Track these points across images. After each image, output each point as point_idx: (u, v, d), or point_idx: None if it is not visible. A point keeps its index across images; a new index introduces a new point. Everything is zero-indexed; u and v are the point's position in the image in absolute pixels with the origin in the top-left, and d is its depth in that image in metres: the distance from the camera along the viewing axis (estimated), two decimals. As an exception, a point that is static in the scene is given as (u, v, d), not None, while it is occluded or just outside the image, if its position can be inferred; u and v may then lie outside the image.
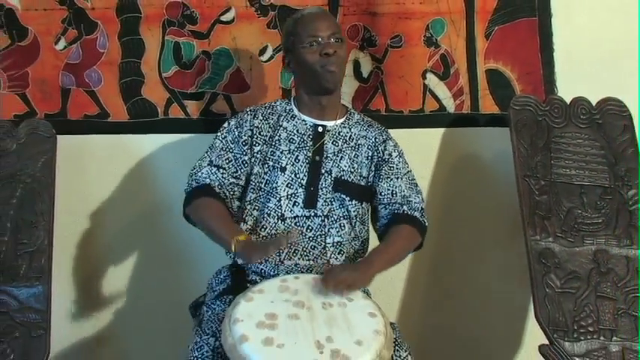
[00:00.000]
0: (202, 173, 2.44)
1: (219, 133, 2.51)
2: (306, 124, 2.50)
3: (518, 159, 2.80)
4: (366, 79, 3.00)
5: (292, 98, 2.58)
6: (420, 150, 2.98)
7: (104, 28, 2.87)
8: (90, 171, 2.90)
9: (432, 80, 3.02)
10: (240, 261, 2.31)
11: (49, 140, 2.72)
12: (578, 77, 3.06)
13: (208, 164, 2.45)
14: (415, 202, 2.50)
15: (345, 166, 2.48)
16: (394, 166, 2.52)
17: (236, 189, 2.46)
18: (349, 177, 2.47)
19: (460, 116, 3.04)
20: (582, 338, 2.64)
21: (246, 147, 2.47)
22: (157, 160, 2.92)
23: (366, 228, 2.54)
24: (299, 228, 2.40)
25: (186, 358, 2.11)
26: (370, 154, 2.52)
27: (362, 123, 2.57)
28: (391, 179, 2.50)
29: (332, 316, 2.06)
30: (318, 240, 2.43)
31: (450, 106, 3.04)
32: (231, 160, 2.46)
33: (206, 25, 2.91)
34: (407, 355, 2.19)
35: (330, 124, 2.51)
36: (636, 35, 3.09)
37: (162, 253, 2.95)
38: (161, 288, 2.95)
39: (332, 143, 2.49)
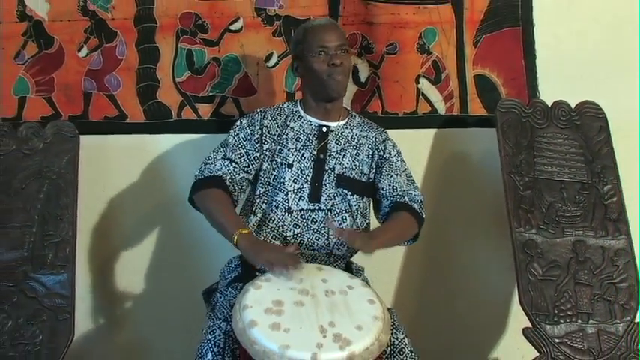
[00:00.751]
0: (216, 165, 2.43)
1: (232, 131, 2.51)
2: (311, 124, 2.51)
3: (504, 157, 2.81)
4: (364, 84, 3.00)
5: (298, 100, 2.58)
6: (413, 149, 2.97)
7: (123, 36, 2.86)
8: (109, 168, 2.90)
9: (424, 84, 3.03)
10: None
11: (72, 140, 2.72)
12: (557, 82, 3.07)
13: (222, 157, 2.44)
14: (415, 195, 2.50)
15: (348, 164, 2.48)
16: (394, 164, 2.54)
17: (245, 183, 2.46)
18: (351, 174, 2.48)
19: (450, 118, 3.04)
20: (562, 321, 2.66)
21: (257, 144, 2.47)
22: (171, 158, 2.92)
23: (367, 221, 2.54)
24: (297, 244, 2.36)
25: (200, 340, 2.11)
26: (371, 153, 2.53)
27: (362, 124, 2.58)
28: (391, 176, 2.51)
29: (334, 302, 2.07)
30: (322, 232, 2.43)
31: (442, 108, 3.04)
32: (243, 156, 2.45)
33: (216, 33, 2.91)
34: (404, 338, 2.20)
35: (333, 125, 2.51)
36: (610, 44, 3.11)
37: (177, 244, 2.94)
38: (176, 277, 2.94)
39: (335, 143, 2.49)
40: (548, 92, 3.03)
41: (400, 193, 2.48)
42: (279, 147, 2.47)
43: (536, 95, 3.04)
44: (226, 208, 2.37)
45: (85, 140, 2.75)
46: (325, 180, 2.45)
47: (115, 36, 2.86)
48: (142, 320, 2.98)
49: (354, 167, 2.49)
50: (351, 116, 2.58)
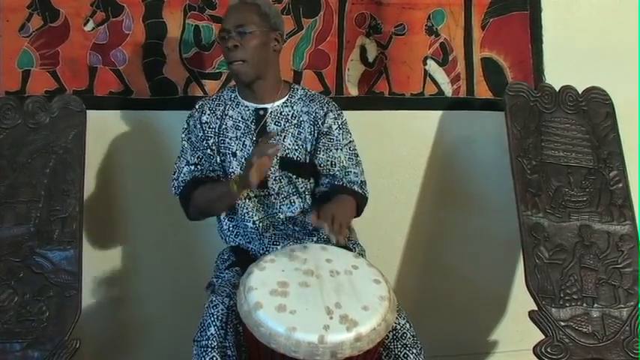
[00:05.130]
0: (184, 173, 2.31)
1: (183, 135, 2.37)
2: (248, 109, 2.33)
3: (513, 140, 2.72)
4: (372, 64, 2.87)
5: (235, 85, 2.41)
6: (419, 130, 2.92)
7: (130, 11, 2.72)
8: (114, 143, 2.78)
9: (431, 66, 2.91)
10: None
11: (79, 114, 2.60)
12: (564, 67, 2.97)
13: (186, 164, 2.32)
14: (354, 175, 2.32)
15: (290, 145, 2.30)
16: (334, 137, 2.32)
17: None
18: (294, 155, 2.30)
19: (457, 100, 2.94)
20: (567, 305, 2.59)
21: (204, 142, 2.33)
22: (176, 134, 2.67)
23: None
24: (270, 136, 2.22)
25: (202, 315, 2.02)
26: (312, 129, 2.32)
27: (304, 99, 2.37)
28: (330, 150, 2.31)
29: (339, 283, 1.95)
30: (275, 217, 2.31)
31: (448, 90, 2.93)
32: (202, 157, 2.33)
33: (224, 9, 2.69)
34: (405, 323, 2.09)
35: (269, 105, 2.32)
36: (617, 30, 3.01)
37: (183, 221, 2.75)
38: (181, 252, 2.86)
39: (274, 124, 2.31)
40: (555, 77, 2.93)
41: (338, 172, 2.30)
42: (221, 138, 2.32)
43: (542, 80, 2.95)
44: (210, 190, 2.27)
45: (90, 115, 2.62)
46: None
47: (122, 10, 2.71)
48: (147, 297, 2.90)
49: (296, 147, 2.31)
50: (293, 91, 2.38)
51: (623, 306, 2.61)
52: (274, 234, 2.31)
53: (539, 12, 2.95)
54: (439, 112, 2.93)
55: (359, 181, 2.32)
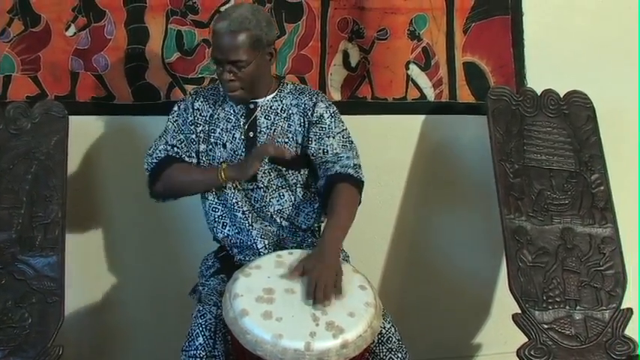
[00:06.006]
0: (160, 151, 2.29)
1: (170, 117, 2.36)
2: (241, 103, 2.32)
3: (495, 144, 2.72)
4: (354, 69, 2.86)
5: None
6: (402, 134, 2.91)
7: (112, 16, 2.68)
8: (96, 149, 2.75)
9: (414, 71, 2.90)
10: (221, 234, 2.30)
11: (61, 120, 2.56)
12: (545, 71, 2.97)
13: (164, 143, 2.30)
14: (346, 159, 2.27)
15: (279, 138, 2.29)
16: (325, 126, 2.29)
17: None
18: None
19: (439, 104, 2.92)
20: (550, 308, 2.60)
21: (192, 126, 2.31)
22: None
23: (312, 191, 2.36)
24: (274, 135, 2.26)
25: (190, 325, 2.00)
26: (302, 121, 2.31)
27: (294, 92, 2.36)
28: (322, 139, 2.28)
29: None
30: (264, 210, 2.29)
31: (431, 94, 2.92)
32: (183, 141, 2.31)
33: (207, 14, 2.74)
34: (390, 327, 2.08)
35: (260, 100, 2.31)
36: (598, 34, 3.01)
37: (165, 226, 2.83)
38: (165, 258, 2.83)
39: (264, 118, 2.30)
40: (536, 81, 2.94)
41: (330, 159, 2.26)
42: (211, 127, 2.32)
43: (524, 84, 2.94)
44: (192, 169, 2.28)
45: (72, 121, 2.59)
46: None
47: (104, 15, 2.68)
48: (131, 303, 2.86)
49: (286, 140, 2.29)
50: (282, 86, 2.37)
51: (605, 308, 2.62)
52: (263, 227, 2.29)
53: (521, 16, 2.94)
54: (422, 117, 2.92)
55: (352, 164, 2.27)
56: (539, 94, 2.84)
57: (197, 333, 1.96)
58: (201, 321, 1.97)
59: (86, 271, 2.80)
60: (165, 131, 2.34)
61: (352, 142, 2.33)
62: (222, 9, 2.71)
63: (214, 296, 2.07)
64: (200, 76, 2.76)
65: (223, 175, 2.16)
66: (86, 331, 2.83)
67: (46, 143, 2.53)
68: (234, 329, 1.81)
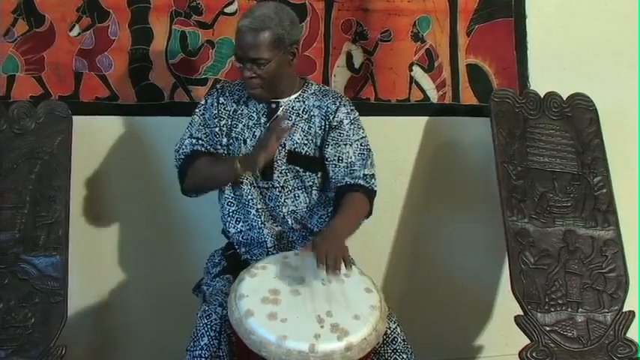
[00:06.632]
0: (185, 145, 2.32)
1: (197, 110, 2.38)
2: (262, 101, 2.32)
3: (498, 147, 2.72)
4: (358, 70, 2.86)
5: None
6: (405, 136, 2.91)
7: (116, 16, 2.69)
8: (100, 149, 2.75)
9: (417, 72, 2.90)
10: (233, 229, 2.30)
11: (65, 120, 2.57)
12: (548, 73, 2.97)
13: (189, 137, 2.33)
14: (359, 169, 2.28)
15: (299, 139, 2.29)
16: (344, 132, 2.30)
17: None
18: (302, 149, 2.29)
19: (442, 106, 2.93)
20: (552, 310, 2.60)
21: (216, 119, 2.33)
22: (162, 140, 2.76)
23: (327, 194, 2.35)
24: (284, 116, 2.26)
25: (195, 325, 2.00)
26: (323, 124, 2.31)
27: (318, 93, 2.36)
28: (339, 145, 2.29)
29: (331, 291, 1.95)
30: (277, 210, 2.29)
31: (434, 96, 2.92)
32: (208, 135, 2.32)
33: (211, 16, 2.75)
34: (396, 327, 2.08)
35: (283, 100, 2.32)
36: (601, 36, 3.02)
37: (169, 227, 2.82)
38: (167, 259, 2.82)
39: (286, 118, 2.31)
40: (539, 83, 2.94)
41: (342, 171, 2.26)
42: (234, 122, 2.33)
43: (526, 86, 2.95)
44: (214, 161, 2.30)
45: (75, 121, 2.59)
46: (276, 157, 2.27)
47: (108, 16, 2.68)
48: (134, 303, 2.86)
49: (305, 142, 2.30)
50: (306, 86, 2.37)
51: (607, 310, 2.63)
52: (274, 227, 2.29)
53: (524, 19, 2.95)
54: (425, 118, 2.92)
55: (362, 174, 2.28)
56: (542, 97, 2.84)
57: (202, 333, 1.96)
58: (206, 321, 1.97)
59: (89, 271, 2.79)
60: (190, 124, 2.36)
61: (369, 150, 2.33)
62: (227, 10, 2.74)
63: (219, 296, 2.07)
64: (204, 76, 2.76)
65: (238, 165, 2.16)
66: (89, 331, 2.83)
67: (50, 143, 2.54)
68: (239, 330, 1.81)
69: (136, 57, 2.71)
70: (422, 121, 2.93)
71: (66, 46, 2.66)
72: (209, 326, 1.96)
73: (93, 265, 2.80)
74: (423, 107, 2.92)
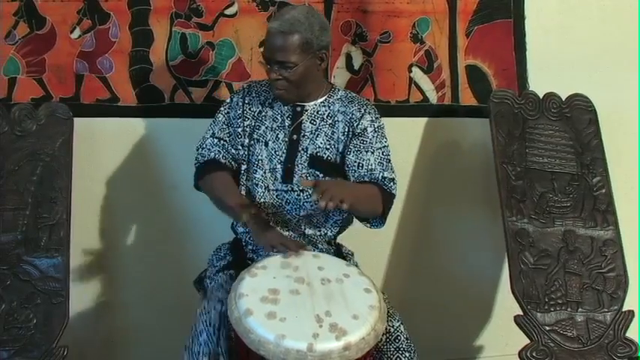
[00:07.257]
0: (207, 145, 2.32)
1: (222, 108, 2.38)
2: (287, 104, 2.32)
3: (497, 147, 2.73)
4: (357, 71, 2.87)
5: None
6: (404, 137, 2.90)
7: (116, 18, 2.70)
8: (100, 151, 2.75)
9: (417, 73, 2.91)
10: (242, 228, 2.30)
11: (66, 122, 2.58)
12: (547, 74, 2.98)
13: (211, 136, 2.34)
14: (378, 174, 2.27)
15: (321, 144, 2.29)
16: (367, 140, 2.29)
17: (237, 159, 2.34)
18: (324, 154, 2.29)
19: (442, 107, 2.94)
20: (552, 309, 2.60)
21: (239, 119, 2.33)
22: (163, 142, 2.78)
23: None
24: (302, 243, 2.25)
25: (195, 321, 2.00)
26: (346, 130, 2.30)
27: (344, 99, 2.35)
28: (360, 152, 2.28)
29: (330, 291, 1.95)
30: (293, 213, 2.29)
31: (433, 97, 2.93)
32: (231, 134, 2.32)
33: (211, 18, 2.75)
34: (399, 325, 2.08)
35: (309, 104, 2.31)
36: (599, 37, 3.03)
37: (169, 227, 2.83)
38: (168, 260, 2.83)
39: (310, 122, 2.30)
40: (538, 84, 2.95)
41: (364, 173, 2.26)
42: (257, 123, 2.32)
43: (525, 87, 2.96)
44: (228, 190, 2.26)
45: (76, 123, 2.60)
46: (298, 160, 2.28)
47: (109, 18, 2.69)
48: (136, 304, 2.86)
49: (328, 147, 2.30)
50: (333, 91, 2.36)
51: (606, 310, 2.63)
52: (284, 231, 2.29)
53: (523, 20, 2.96)
54: (424, 119, 2.93)
55: (381, 177, 2.26)
56: (541, 97, 2.85)
57: (201, 329, 1.96)
58: (205, 317, 1.98)
59: (91, 272, 2.80)
60: (214, 122, 2.36)
61: (390, 161, 2.32)
62: (227, 12, 2.75)
63: (220, 292, 2.06)
64: (204, 78, 2.77)
65: (244, 219, 2.13)
66: (91, 332, 2.83)
67: (51, 145, 2.55)
68: (238, 329, 1.82)
69: (136, 59, 2.72)
70: (421, 122, 2.93)
71: (67, 48, 2.67)
72: (208, 322, 1.96)
73: (94, 266, 2.80)
74: (422, 108, 2.92)
